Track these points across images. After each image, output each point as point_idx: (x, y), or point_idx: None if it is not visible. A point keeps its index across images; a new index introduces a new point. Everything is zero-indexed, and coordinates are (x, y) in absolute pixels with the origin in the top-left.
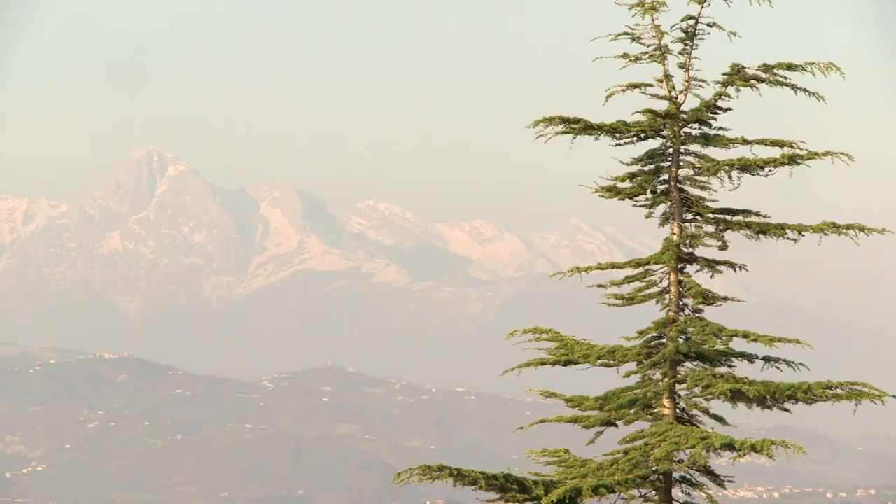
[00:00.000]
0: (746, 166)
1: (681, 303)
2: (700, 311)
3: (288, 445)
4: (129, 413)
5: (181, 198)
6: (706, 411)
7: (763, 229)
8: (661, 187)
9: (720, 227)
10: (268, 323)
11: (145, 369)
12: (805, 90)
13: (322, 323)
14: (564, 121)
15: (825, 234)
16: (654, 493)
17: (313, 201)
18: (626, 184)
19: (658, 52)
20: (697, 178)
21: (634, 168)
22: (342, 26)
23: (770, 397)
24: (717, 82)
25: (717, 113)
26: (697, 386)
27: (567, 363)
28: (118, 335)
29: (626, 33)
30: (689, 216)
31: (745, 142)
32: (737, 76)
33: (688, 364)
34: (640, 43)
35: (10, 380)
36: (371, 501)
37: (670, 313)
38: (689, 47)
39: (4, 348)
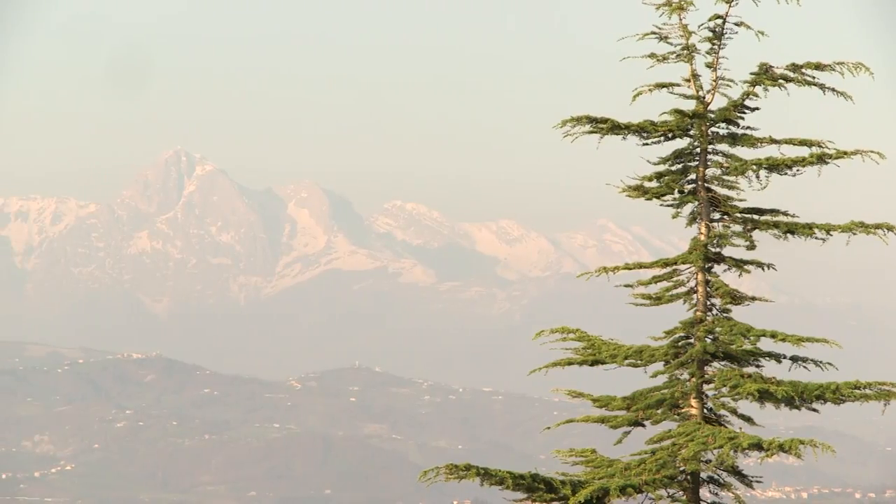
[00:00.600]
0: (774, 166)
1: (708, 303)
2: (728, 310)
3: (315, 445)
4: (156, 413)
5: (209, 198)
6: (734, 411)
7: (791, 229)
8: (689, 187)
9: (748, 227)
10: (295, 323)
11: (173, 369)
12: (833, 90)
13: (349, 323)
14: (592, 120)
15: (853, 233)
16: (681, 493)
17: (340, 201)
18: (654, 183)
19: (685, 52)
20: (725, 177)
21: (662, 168)
22: (370, 24)
23: (798, 397)
24: (745, 82)
25: (744, 112)
26: (725, 386)
27: (594, 363)
28: (146, 335)
29: (653, 33)
30: (717, 216)
31: (772, 141)
32: (765, 76)
33: (715, 364)
34: (668, 42)
35: (39, 379)
36: (398, 501)
37: (698, 313)
38: (716, 47)
39: (33, 348)
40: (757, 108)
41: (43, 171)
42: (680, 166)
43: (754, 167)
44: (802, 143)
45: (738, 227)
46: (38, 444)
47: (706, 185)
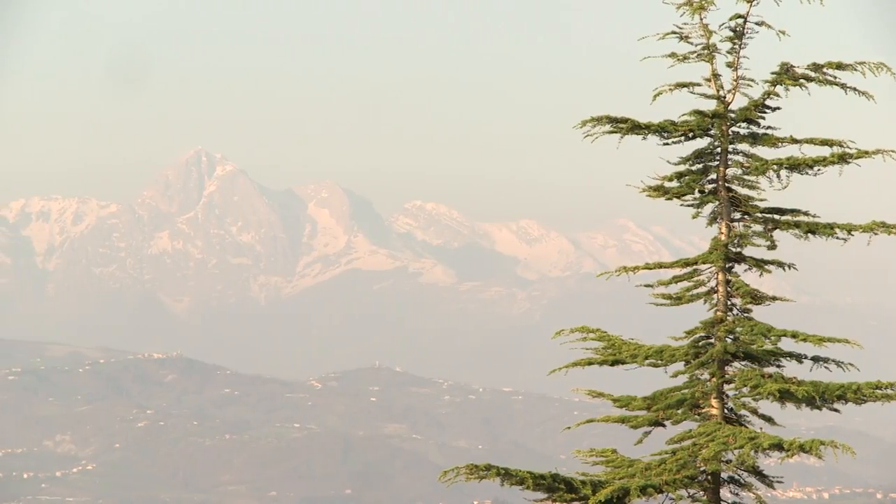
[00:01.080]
0: (795, 165)
1: (729, 302)
2: (748, 310)
3: (336, 445)
4: (177, 412)
5: (229, 198)
6: (754, 411)
7: (812, 229)
8: (709, 187)
9: (769, 227)
10: (315, 323)
11: (194, 369)
12: (855, 90)
13: (369, 323)
14: (612, 120)
15: (875, 233)
16: (702, 493)
17: (360, 201)
18: (674, 183)
19: (706, 52)
20: (746, 177)
21: (682, 168)
22: (392, 23)
23: (819, 397)
24: (766, 81)
25: (765, 112)
26: (746, 386)
27: (614, 363)
28: (167, 335)
29: (674, 32)
30: (738, 216)
31: (793, 141)
32: (786, 75)
33: (736, 364)
34: (689, 42)
35: (60, 379)
36: (418, 501)
37: (718, 313)
38: (737, 46)
39: (54, 348)
40: (778, 108)
41: (64, 172)
42: (700, 166)
43: (775, 167)
44: (824, 142)
45: (758, 227)
46: (59, 443)
47: (727, 184)
